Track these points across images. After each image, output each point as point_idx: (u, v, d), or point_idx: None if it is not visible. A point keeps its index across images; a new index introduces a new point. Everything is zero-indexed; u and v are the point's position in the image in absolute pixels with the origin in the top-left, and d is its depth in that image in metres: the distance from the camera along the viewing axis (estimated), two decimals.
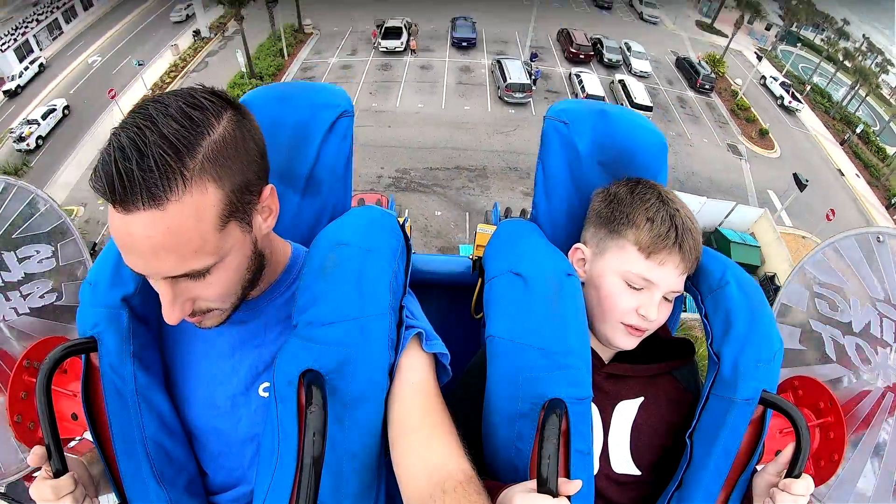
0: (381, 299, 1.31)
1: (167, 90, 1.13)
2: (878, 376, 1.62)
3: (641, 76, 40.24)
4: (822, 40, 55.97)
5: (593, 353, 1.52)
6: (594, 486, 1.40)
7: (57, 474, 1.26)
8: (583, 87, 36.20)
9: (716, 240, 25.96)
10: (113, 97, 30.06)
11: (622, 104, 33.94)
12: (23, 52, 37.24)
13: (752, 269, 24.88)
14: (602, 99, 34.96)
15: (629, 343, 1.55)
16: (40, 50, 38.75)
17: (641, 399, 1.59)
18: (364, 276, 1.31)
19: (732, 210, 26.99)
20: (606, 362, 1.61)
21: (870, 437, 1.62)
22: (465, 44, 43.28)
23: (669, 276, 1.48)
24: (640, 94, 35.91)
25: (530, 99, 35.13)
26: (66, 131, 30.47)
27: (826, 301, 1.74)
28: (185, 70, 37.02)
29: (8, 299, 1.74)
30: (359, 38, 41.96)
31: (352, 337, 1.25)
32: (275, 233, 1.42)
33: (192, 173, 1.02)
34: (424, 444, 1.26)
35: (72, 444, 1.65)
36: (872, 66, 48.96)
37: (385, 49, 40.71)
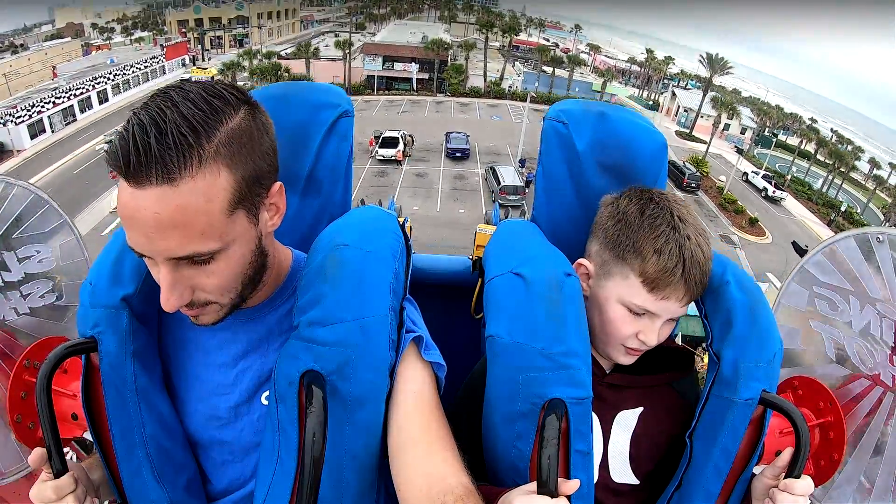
0: (382, 300, 1.31)
1: (189, 79, 1.17)
2: (878, 376, 1.62)
3: None
4: (797, 135, 61.61)
5: (594, 362, 1.51)
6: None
7: (57, 474, 1.26)
8: None
9: None
10: (114, 178, 30.04)
11: None
12: (35, 130, 38.07)
13: None
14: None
15: (628, 360, 1.56)
16: (52, 132, 39.63)
17: (641, 409, 1.60)
18: (365, 277, 1.31)
19: None
20: (607, 372, 1.61)
21: (870, 437, 1.62)
22: (458, 154, 45.67)
23: (672, 307, 1.48)
24: None
25: (524, 201, 35.53)
26: (57, 196, 30.39)
27: (826, 301, 1.74)
28: None
29: (8, 299, 1.74)
30: (356, 148, 42.26)
31: (352, 338, 1.25)
32: (276, 238, 1.42)
33: (208, 155, 1.04)
34: (424, 458, 1.26)
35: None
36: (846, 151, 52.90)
37: (381, 157, 42.58)
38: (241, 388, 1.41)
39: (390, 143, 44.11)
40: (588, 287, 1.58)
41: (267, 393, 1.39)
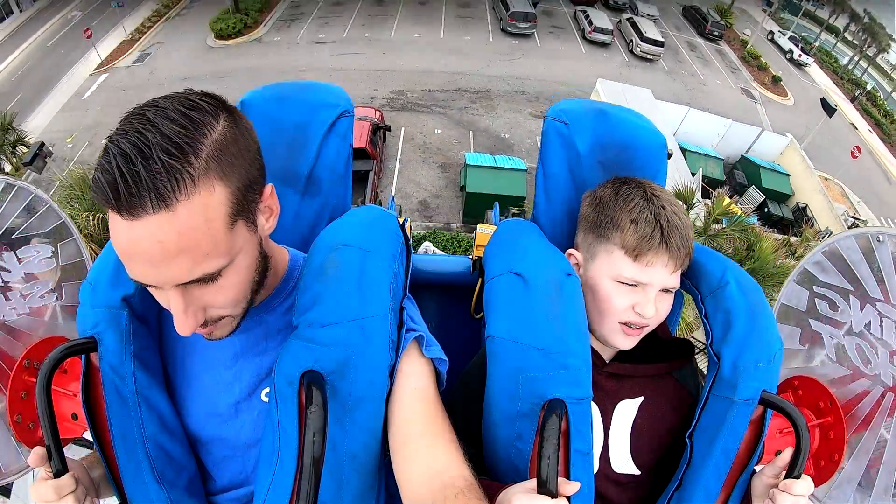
0: (382, 300, 1.31)
1: (161, 95, 1.11)
2: (878, 376, 1.62)
3: (649, 18, 39.16)
4: (827, 6, 56.58)
5: (594, 352, 1.52)
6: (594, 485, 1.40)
7: (57, 474, 1.26)
8: (589, 20, 35.01)
9: (743, 167, 25.44)
10: (89, 37, 29.87)
11: (631, 40, 33.47)
12: (2, 13, 37.29)
13: (783, 198, 24.34)
14: (610, 32, 34.33)
15: (627, 343, 1.55)
16: (20, 10, 38.73)
17: (641, 399, 1.60)
18: (364, 277, 1.31)
19: (759, 136, 26.57)
20: (607, 361, 1.61)
21: (870, 437, 1.62)
22: None
23: (660, 274, 1.49)
24: (650, 29, 34.84)
25: (534, 30, 34.24)
26: (40, 79, 30.17)
27: (826, 301, 1.74)
28: (167, 15, 36.20)
29: (8, 299, 1.74)
30: None
31: (352, 338, 1.25)
32: (272, 238, 1.42)
33: (199, 172, 1.02)
34: (425, 452, 1.26)
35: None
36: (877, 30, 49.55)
37: None
38: (240, 384, 1.41)
39: None
40: (580, 276, 1.58)
41: (267, 390, 1.40)
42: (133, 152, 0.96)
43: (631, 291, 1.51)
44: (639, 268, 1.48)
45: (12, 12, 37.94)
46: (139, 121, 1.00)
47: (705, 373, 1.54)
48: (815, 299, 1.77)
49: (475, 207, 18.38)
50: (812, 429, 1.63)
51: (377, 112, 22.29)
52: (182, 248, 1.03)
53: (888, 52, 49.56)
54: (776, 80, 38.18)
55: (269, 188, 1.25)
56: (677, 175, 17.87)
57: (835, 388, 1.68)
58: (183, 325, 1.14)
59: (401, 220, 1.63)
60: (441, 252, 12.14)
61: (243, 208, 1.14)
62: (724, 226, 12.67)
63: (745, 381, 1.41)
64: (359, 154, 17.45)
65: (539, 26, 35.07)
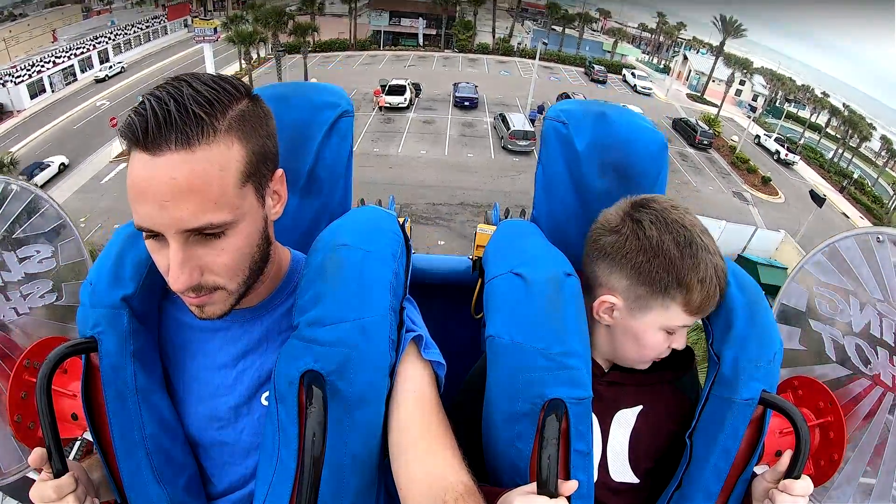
0: (382, 300, 1.31)
1: None
2: (878, 376, 1.62)
3: None
4: (808, 106, 61.36)
5: (593, 361, 1.51)
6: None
7: (57, 474, 1.26)
8: None
9: (741, 265, 25.47)
10: (114, 125, 30.54)
11: None
12: (35, 89, 38.17)
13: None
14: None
15: (647, 365, 1.58)
16: (52, 91, 39.86)
17: (640, 408, 1.60)
18: (365, 277, 1.31)
19: (754, 234, 27.18)
20: (606, 370, 1.61)
21: (870, 437, 1.62)
22: (467, 104, 45.20)
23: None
24: None
25: (534, 147, 35.04)
26: (57, 150, 31.40)
27: (826, 301, 1.73)
28: None
29: (8, 299, 1.73)
30: (362, 98, 43.12)
31: (352, 338, 1.25)
32: (276, 238, 1.42)
33: (222, 127, 1.11)
34: (424, 456, 1.26)
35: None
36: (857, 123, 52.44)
37: (388, 105, 42.17)
38: (240, 388, 1.41)
39: (397, 90, 43.87)
40: (613, 319, 1.53)
41: (267, 393, 1.40)
42: (167, 98, 1.06)
43: (673, 335, 1.51)
44: (692, 319, 1.47)
45: (44, 90, 38.63)
46: (176, 81, 1.11)
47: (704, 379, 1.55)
48: (815, 299, 1.76)
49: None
50: (812, 429, 1.63)
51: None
52: (193, 187, 1.07)
53: (870, 140, 52.39)
54: (766, 180, 40.34)
55: (279, 172, 1.30)
56: None
57: (835, 389, 1.68)
58: (177, 278, 1.15)
59: (401, 220, 1.62)
60: None
61: (255, 173, 1.19)
62: None
63: (745, 381, 1.42)
64: None
65: (538, 144, 36.22)
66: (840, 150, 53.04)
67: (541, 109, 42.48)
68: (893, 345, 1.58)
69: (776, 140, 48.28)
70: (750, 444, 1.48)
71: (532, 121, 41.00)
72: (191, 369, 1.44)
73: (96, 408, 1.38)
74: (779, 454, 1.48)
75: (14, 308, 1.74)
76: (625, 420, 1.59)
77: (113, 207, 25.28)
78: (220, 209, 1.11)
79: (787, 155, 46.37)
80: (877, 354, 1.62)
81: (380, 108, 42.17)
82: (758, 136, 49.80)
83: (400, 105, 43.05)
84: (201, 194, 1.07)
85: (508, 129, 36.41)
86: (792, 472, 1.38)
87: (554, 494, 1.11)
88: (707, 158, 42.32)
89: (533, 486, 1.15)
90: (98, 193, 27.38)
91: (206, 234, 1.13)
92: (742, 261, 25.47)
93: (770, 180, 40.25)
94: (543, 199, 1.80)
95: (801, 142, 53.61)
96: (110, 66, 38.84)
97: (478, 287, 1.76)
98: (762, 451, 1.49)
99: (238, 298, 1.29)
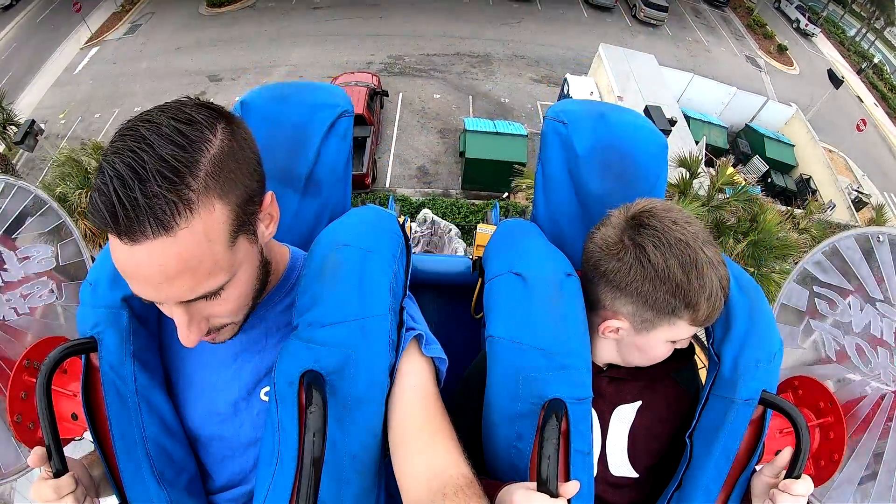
0: (382, 300, 1.31)
1: (154, 107, 1.09)
2: (878, 376, 1.62)
3: None
4: None
5: (591, 362, 1.51)
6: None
7: (57, 474, 1.26)
8: None
9: (747, 136, 25.29)
10: (78, 10, 29.66)
11: (635, 5, 33.57)
12: None
13: (787, 169, 24.19)
14: None
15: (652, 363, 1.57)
16: None
17: (639, 403, 1.60)
18: (364, 277, 1.32)
19: (764, 105, 26.37)
20: (604, 368, 1.61)
21: (870, 437, 1.62)
22: None
23: None
24: None
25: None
26: (30, 56, 29.99)
27: (826, 301, 1.74)
28: None
29: (8, 299, 1.74)
30: None
31: (352, 338, 1.25)
32: (275, 238, 1.42)
33: (198, 194, 1.00)
34: (425, 449, 1.26)
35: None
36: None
37: None
38: (239, 383, 1.41)
39: None
40: (619, 337, 1.51)
41: (266, 389, 1.40)
42: (130, 175, 0.94)
43: (679, 341, 1.50)
44: (696, 330, 1.46)
45: None
46: (133, 138, 0.98)
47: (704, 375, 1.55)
48: (815, 299, 1.76)
49: (475, 174, 18.36)
50: (812, 429, 1.63)
51: (374, 77, 22.27)
52: (183, 269, 1.03)
53: (894, 24, 49.30)
54: (782, 49, 37.69)
55: (269, 196, 1.23)
56: (681, 143, 17.79)
57: (835, 389, 1.68)
58: (187, 338, 1.15)
59: (401, 220, 1.63)
60: (439, 218, 12.07)
61: (244, 223, 1.13)
62: (727, 195, 12.56)
63: (745, 380, 1.42)
64: (356, 120, 17.46)
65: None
66: (863, 30, 49.99)
67: None
68: (893, 345, 1.58)
69: (797, 7, 44.74)
70: (750, 444, 1.48)
71: None
72: (190, 366, 1.45)
73: (96, 408, 1.38)
74: (779, 454, 1.48)
75: (14, 308, 1.74)
76: (624, 415, 1.59)
77: (91, 96, 23.75)
78: (215, 276, 1.09)
79: (807, 25, 43.06)
80: (877, 354, 1.62)
81: None
82: (778, 0, 46.14)
83: None
84: (193, 272, 1.05)
85: None
86: (792, 472, 1.38)
87: (554, 494, 1.11)
88: (721, 17, 39.67)
89: (534, 484, 1.15)
90: (73, 85, 26.37)
91: (206, 297, 1.12)
92: (749, 131, 25.27)
93: (786, 49, 37.82)
94: (543, 199, 1.81)
95: (824, 14, 49.68)
96: None
97: (478, 287, 1.76)
98: (762, 451, 1.49)
99: (246, 320, 1.29)
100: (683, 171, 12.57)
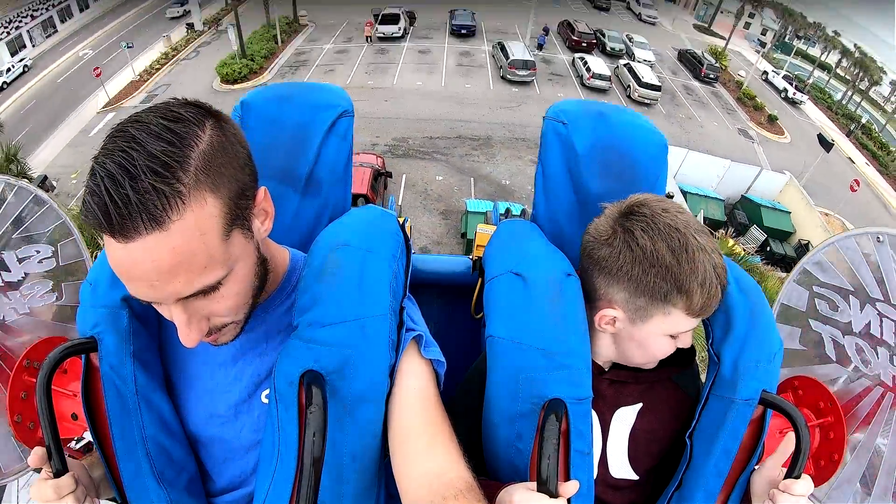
0: (382, 300, 1.31)
1: (148, 106, 1.09)
2: (878, 376, 1.63)
3: (645, 63, 40.05)
4: (818, 44, 58.98)
5: (593, 363, 1.50)
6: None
7: (57, 474, 1.25)
8: (587, 67, 35.96)
9: (743, 207, 25.54)
10: (98, 76, 30.18)
11: (629, 86, 34.18)
12: (15, 46, 37.60)
13: (785, 236, 24.36)
14: (608, 78, 35.30)
15: (653, 365, 1.56)
16: (33, 46, 39.32)
17: (640, 405, 1.59)
18: (365, 277, 1.31)
19: (758, 176, 26.78)
20: (606, 369, 1.60)
21: (870, 437, 1.62)
22: (464, 31, 43.30)
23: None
24: (647, 74, 35.74)
25: (534, 78, 34.94)
26: (49, 114, 30.62)
27: (826, 301, 1.74)
28: (175, 58, 37.27)
29: (8, 299, 1.74)
30: (354, 29, 42.07)
31: (352, 338, 1.25)
32: (272, 238, 1.42)
33: (189, 188, 1.00)
34: (425, 452, 1.26)
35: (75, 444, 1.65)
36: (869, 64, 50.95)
37: (382, 35, 40.63)
38: (240, 386, 1.41)
39: (391, 19, 42.21)
40: (616, 329, 1.50)
41: (267, 391, 1.39)
42: (120, 173, 0.95)
43: (679, 337, 1.49)
44: (695, 321, 1.44)
45: (24, 46, 38.17)
46: (123, 138, 0.98)
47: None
48: (815, 299, 1.77)
49: None
50: (812, 429, 1.63)
51: (379, 158, 22.47)
52: (178, 264, 1.02)
53: (880, 85, 50.90)
54: (772, 119, 39.16)
55: (262, 191, 1.22)
56: None
57: (835, 388, 1.68)
58: (187, 337, 1.14)
59: (401, 220, 1.63)
60: None
61: (237, 217, 1.12)
62: None
63: (745, 381, 1.41)
64: (359, 200, 17.54)
65: (538, 74, 35.92)
66: (849, 93, 52.08)
67: (546, 31, 42.03)
68: (893, 345, 1.58)
69: (784, 77, 47.18)
70: (750, 444, 1.47)
71: (540, 46, 40.36)
72: (191, 368, 1.44)
73: (96, 408, 1.38)
74: (775, 453, 1.48)
75: (14, 308, 1.75)
76: (625, 417, 1.58)
77: None
78: (211, 270, 1.09)
79: (794, 93, 45.28)
80: (877, 354, 1.63)
81: (367, 38, 40.85)
82: (765, 73, 48.49)
83: (394, 35, 41.49)
84: (188, 266, 1.04)
85: (507, 58, 35.51)
86: (792, 472, 1.37)
87: (554, 494, 1.11)
88: (712, 93, 41.40)
89: (534, 484, 1.15)
90: (88, 147, 26.49)
91: (204, 292, 1.11)
92: (745, 202, 25.53)
93: (776, 119, 39.38)
94: (543, 200, 1.80)
95: (810, 81, 52.43)
96: (7, 69, 36.43)
97: (478, 287, 1.76)
98: (762, 451, 1.48)
99: (247, 320, 1.29)
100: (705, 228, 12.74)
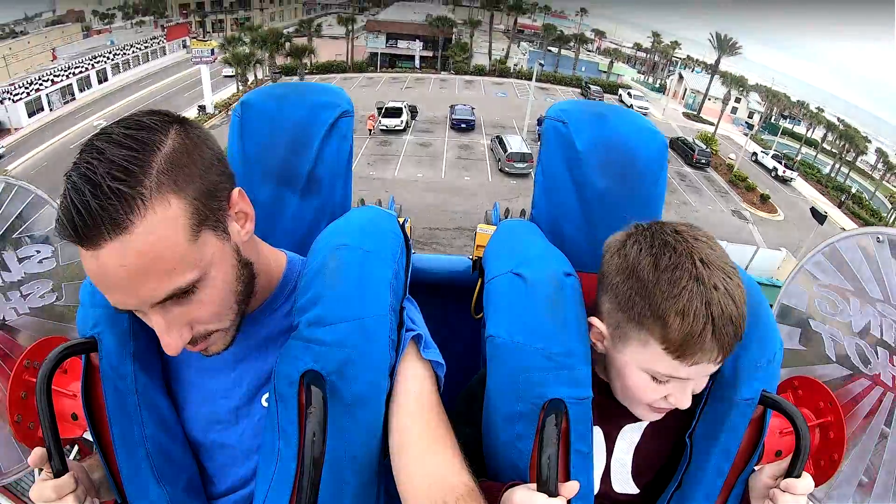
0: (382, 300, 1.30)
1: (112, 122, 1.09)
2: (878, 376, 1.62)
3: None
4: (803, 122, 62.35)
5: (599, 377, 1.47)
6: None
7: (57, 474, 1.26)
8: None
9: None
10: None
11: None
12: (33, 107, 37.83)
13: None
14: None
15: (654, 417, 1.46)
16: (51, 110, 39.55)
17: (646, 423, 1.56)
18: (365, 277, 1.31)
19: (755, 254, 27.02)
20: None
21: (870, 437, 1.62)
22: (463, 125, 44.73)
23: (704, 369, 1.30)
24: None
25: (532, 170, 34.72)
26: (59, 178, 30.75)
27: (826, 301, 1.74)
28: None
29: (8, 299, 1.74)
30: (358, 121, 42.54)
31: (353, 338, 1.25)
32: (272, 240, 1.42)
33: (150, 190, 1.00)
34: (425, 456, 1.26)
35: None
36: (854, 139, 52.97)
37: (385, 127, 41.80)
38: (240, 390, 1.40)
39: (394, 113, 43.55)
40: (603, 347, 1.44)
41: (267, 395, 1.38)
42: (82, 183, 0.96)
43: (664, 385, 1.34)
44: (680, 365, 1.27)
45: (42, 109, 38.48)
46: (88, 151, 1.00)
47: None
48: (815, 299, 1.77)
49: None
50: (812, 429, 1.63)
51: None
52: (146, 267, 1.02)
53: (866, 154, 52.48)
54: (764, 198, 40.15)
55: (236, 192, 1.21)
56: None
57: (835, 389, 1.68)
58: (168, 343, 1.14)
59: (401, 220, 1.62)
60: None
61: (206, 217, 1.11)
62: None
63: (745, 381, 1.41)
64: None
65: (536, 166, 35.84)
66: (837, 165, 53.50)
67: (540, 123, 41.93)
68: (893, 345, 1.58)
69: (773, 157, 48.64)
70: (750, 444, 1.47)
71: (540, 136, 40.65)
72: (191, 372, 1.44)
73: (96, 408, 1.38)
74: (779, 454, 1.48)
75: (14, 308, 1.75)
76: (630, 434, 1.56)
77: None
78: (182, 272, 1.08)
79: (784, 171, 46.66)
80: (877, 354, 1.63)
81: (369, 130, 41.72)
82: (755, 154, 50.11)
83: (396, 128, 42.75)
84: (156, 269, 1.04)
85: (506, 151, 36.32)
86: (792, 472, 1.37)
87: (554, 494, 1.12)
88: (705, 177, 42.40)
89: (534, 485, 1.15)
90: None
91: (179, 296, 1.10)
92: None
93: (769, 198, 40.34)
94: (543, 199, 1.80)
95: (798, 158, 53.99)
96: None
97: (478, 287, 1.76)
98: (762, 451, 1.48)
99: (237, 328, 1.28)
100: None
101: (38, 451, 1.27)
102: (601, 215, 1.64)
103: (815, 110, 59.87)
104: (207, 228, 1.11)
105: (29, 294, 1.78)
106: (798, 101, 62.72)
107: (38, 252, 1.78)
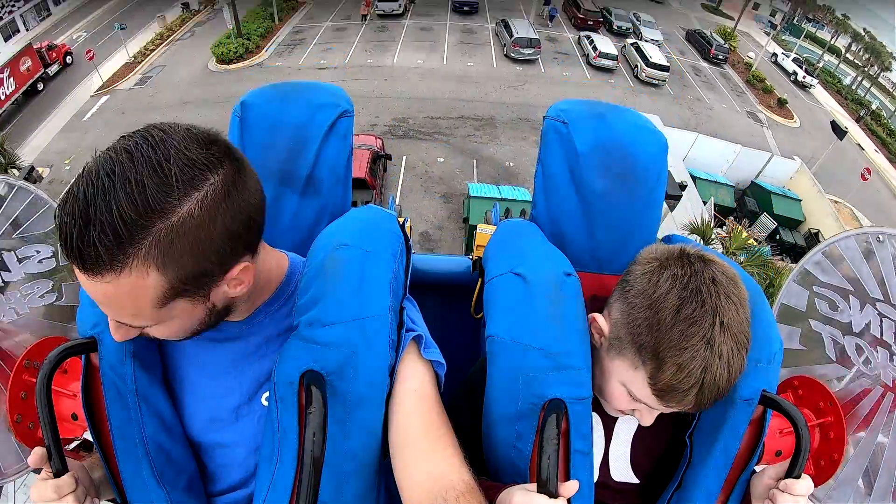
0: (382, 300, 1.30)
1: (156, 130, 1.03)
2: (878, 376, 1.63)
3: (653, 43, 39.11)
4: (828, 27, 57.74)
5: None
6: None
7: (57, 474, 1.26)
8: (594, 46, 35.13)
9: (753, 193, 25.14)
10: (91, 58, 29.87)
11: (636, 66, 33.62)
12: (9, 31, 37.13)
13: (795, 225, 24.00)
14: (615, 58, 34.65)
15: (623, 416, 1.51)
16: (27, 30, 38.56)
17: None
18: (365, 277, 1.31)
19: (769, 161, 26.33)
20: None
21: (870, 437, 1.62)
22: (466, 8, 41.81)
23: (676, 409, 1.32)
24: (654, 54, 34.92)
25: (538, 56, 34.28)
26: (41, 99, 30.22)
27: (826, 301, 1.74)
28: (170, 39, 36.61)
29: (8, 299, 1.74)
30: (354, 6, 40.59)
31: (352, 338, 1.25)
32: (271, 240, 1.41)
33: (133, 259, 0.98)
34: (426, 454, 1.26)
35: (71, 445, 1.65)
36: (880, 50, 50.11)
37: (381, 12, 39.27)
38: (241, 389, 1.40)
39: None
40: (599, 342, 1.45)
41: (267, 394, 1.39)
42: (80, 215, 0.94)
43: (636, 402, 1.37)
44: (656, 401, 1.31)
45: (18, 31, 37.84)
46: (106, 167, 0.96)
47: None
48: (815, 299, 1.77)
49: None
50: (812, 429, 1.63)
51: (378, 140, 21.97)
52: (106, 303, 1.06)
53: (890, 71, 50.27)
54: (782, 102, 38.19)
55: (238, 268, 1.16)
56: (691, 207, 17.79)
57: (835, 389, 1.68)
58: (113, 334, 1.17)
59: (401, 220, 1.62)
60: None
61: (182, 293, 1.09)
62: (741, 260, 12.55)
63: (745, 380, 1.40)
64: (357, 184, 16.55)
65: (543, 52, 35.00)
66: (859, 78, 51.11)
67: (547, 2, 41.17)
68: (893, 345, 1.58)
69: (794, 60, 45.80)
70: (750, 444, 1.47)
71: (552, 17, 39.60)
72: (190, 372, 1.44)
73: (96, 408, 1.39)
74: (779, 454, 1.48)
75: (14, 308, 1.75)
76: (628, 424, 1.58)
77: (98, 144, 25.62)
78: (137, 320, 1.10)
79: (804, 77, 43.99)
80: (877, 354, 1.63)
81: (363, 16, 39.13)
82: (775, 55, 47.00)
83: (394, 12, 39.62)
84: (117, 308, 1.07)
85: (511, 36, 34.44)
86: (792, 472, 1.37)
87: (554, 494, 1.12)
88: (721, 74, 40.37)
89: (534, 485, 1.15)
90: (81, 131, 26.72)
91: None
92: (756, 188, 25.14)
93: (786, 102, 38.41)
94: (543, 199, 1.79)
95: (820, 65, 51.07)
96: None
97: (478, 287, 1.76)
98: (762, 451, 1.48)
99: (200, 333, 1.27)
100: (696, 237, 12.60)
101: (38, 451, 1.27)
102: (601, 215, 1.64)
103: (840, 16, 56.79)
104: (181, 299, 1.10)
105: (29, 294, 1.78)
106: (823, 3, 59.10)
107: (38, 252, 1.78)
